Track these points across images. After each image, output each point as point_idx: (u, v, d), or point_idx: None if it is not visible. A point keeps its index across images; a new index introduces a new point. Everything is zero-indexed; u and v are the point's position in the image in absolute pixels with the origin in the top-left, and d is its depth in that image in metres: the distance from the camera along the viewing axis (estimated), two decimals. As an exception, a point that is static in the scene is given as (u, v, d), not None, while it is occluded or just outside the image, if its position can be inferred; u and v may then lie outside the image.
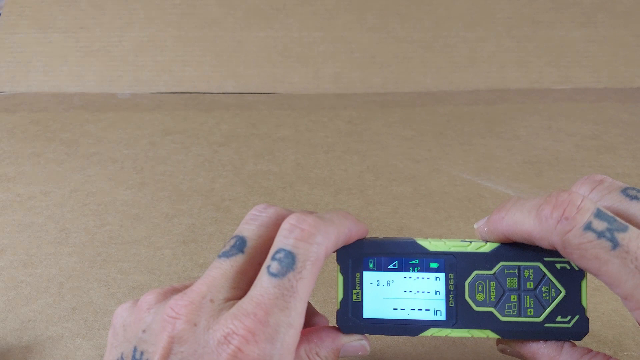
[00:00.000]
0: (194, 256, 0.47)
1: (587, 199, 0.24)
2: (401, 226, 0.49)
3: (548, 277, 0.28)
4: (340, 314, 0.29)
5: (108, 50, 0.75)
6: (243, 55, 0.74)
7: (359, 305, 0.29)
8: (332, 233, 0.27)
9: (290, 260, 0.25)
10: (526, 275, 0.28)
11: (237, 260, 0.27)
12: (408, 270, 0.29)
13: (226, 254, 0.27)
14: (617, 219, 0.24)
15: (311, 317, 0.32)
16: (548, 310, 0.28)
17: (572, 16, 0.76)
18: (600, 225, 0.24)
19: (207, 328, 0.25)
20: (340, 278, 0.29)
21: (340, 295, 0.29)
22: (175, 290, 0.28)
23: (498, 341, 0.30)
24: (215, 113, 0.68)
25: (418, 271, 0.29)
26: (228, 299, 0.26)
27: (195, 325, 0.25)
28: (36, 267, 0.46)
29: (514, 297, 0.28)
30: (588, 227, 0.24)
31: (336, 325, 0.30)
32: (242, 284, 0.27)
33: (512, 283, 0.28)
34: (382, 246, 0.29)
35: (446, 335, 0.29)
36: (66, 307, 0.42)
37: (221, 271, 0.27)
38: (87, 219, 0.52)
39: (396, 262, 0.29)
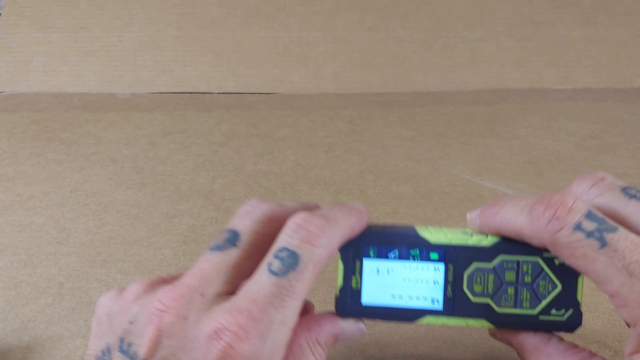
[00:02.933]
0: (194, 256, 0.47)
1: (579, 200, 0.25)
2: (401, 226, 0.49)
3: (545, 272, 0.28)
4: (339, 300, 0.30)
5: (108, 50, 0.75)
6: (243, 55, 0.74)
7: (357, 292, 0.29)
8: (337, 235, 0.26)
9: (293, 261, 0.25)
10: (525, 269, 0.28)
11: (230, 254, 0.26)
12: (408, 260, 0.29)
13: (218, 247, 0.27)
14: (607, 220, 0.25)
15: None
16: (543, 303, 0.28)
17: (572, 16, 0.76)
18: (589, 225, 0.24)
19: (197, 322, 0.24)
20: (341, 265, 0.29)
21: (340, 282, 0.29)
22: (163, 281, 0.27)
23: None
24: (216, 113, 0.68)
25: (418, 261, 0.29)
26: (219, 294, 0.25)
27: (184, 319, 0.24)
28: (36, 267, 0.46)
29: (511, 290, 0.28)
30: (578, 227, 0.24)
31: (334, 311, 0.30)
32: (234, 279, 0.26)
33: (510, 276, 0.28)
34: (383, 235, 0.29)
35: (442, 324, 0.29)
36: (66, 307, 0.42)
37: (213, 265, 0.26)
38: (87, 219, 0.51)
39: (396, 251, 0.29)
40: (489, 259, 0.29)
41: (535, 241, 0.26)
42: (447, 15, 0.77)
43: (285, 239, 0.26)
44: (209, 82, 0.72)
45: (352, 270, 0.29)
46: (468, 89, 0.71)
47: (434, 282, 0.29)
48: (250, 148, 0.61)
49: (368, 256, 0.29)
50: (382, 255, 0.29)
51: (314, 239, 0.25)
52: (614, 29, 0.75)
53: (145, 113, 0.68)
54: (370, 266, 0.29)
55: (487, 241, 0.29)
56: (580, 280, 0.28)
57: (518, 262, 0.28)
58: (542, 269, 0.28)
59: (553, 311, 0.28)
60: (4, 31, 0.76)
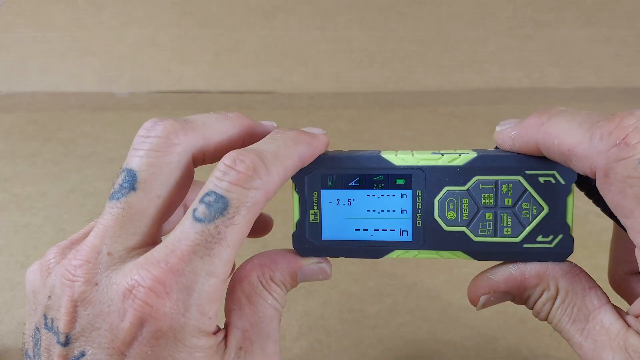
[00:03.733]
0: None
1: None
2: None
3: (529, 193, 0.25)
4: (296, 236, 0.26)
5: (106, 49, 0.74)
6: (242, 54, 0.74)
7: (317, 226, 0.26)
8: (276, 173, 0.23)
9: (221, 205, 0.22)
10: (504, 190, 0.25)
11: (130, 200, 0.23)
12: (371, 188, 0.26)
13: (115, 195, 0.23)
14: None
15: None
16: (528, 229, 0.25)
17: (574, 16, 0.76)
18: None
19: (110, 284, 0.22)
20: (296, 197, 0.26)
21: (296, 217, 0.26)
22: (74, 244, 0.25)
23: (478, 298, 0.26)
24: (214, 113, 0.68)
25: (382, 188, 0.26)
26: (130, 248, 0.23)
27: (96, 284, 0.22)
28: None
29: (489, 215, 0.25)
30: None
31: (292, 249, 0.27)
32: (142, 227, 0.23)
33: (487, 199, 0.25)
34: (343, 161, 0.26)
35: (413, 257, 0.26)
36: (63, 309, 0.42)
37: (113, 217, 0.23)
38: (84, 219, 0.51)
39: (358, 178, 0.26)
40: (463, 181, 0.25)
41: (583, 164, 0.21)
42: (448, 14, 0.76)
43: (212, 181, 0.22)
44: (208, 82, 0.72)
45: (310, 202, 0.26)
46: (469, 89, 0.71)
47: (402, 211, 0.26)
48: (249, 148, 0.61)
49: (326, 186, 0.26)
50: (341, 184, 0.26)
51: (246, 181, 0.22)
52: (616, 29, 0.75)
53: (143, 113, 0.68)
54: (329, 197, 0.26)
55: (460, 160, 0.25)
56: (569, 200, 0.25)
57: (496, 183, 0.25)
58: (525, 190, 0.25)
59: (539, 238, 0.25)
60: (1, 30, 0.76)
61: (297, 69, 0.73)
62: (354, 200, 0.26)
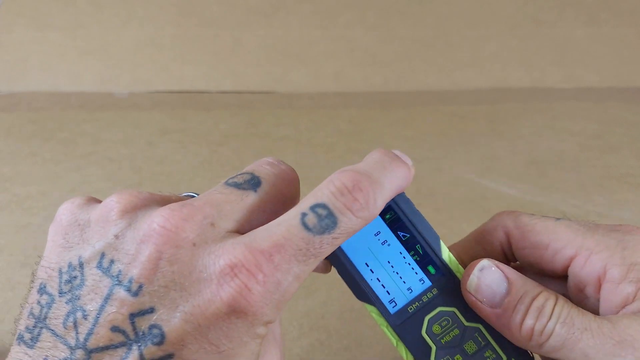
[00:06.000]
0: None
1: None
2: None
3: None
4: None
5: (106, 49, 0.74)
6: (242, 53, 0.74)
7: None
8: (380, 206, 0.23)
9: (330, 223, 0.22)
10: (487, 354, 0.26)
11: (248, 196, 0.23)
12: (408, 251, 0.26)
13: (237, 185, 0.24)
14: None
15: None
16: None
17: (575, 15, 0.76)
18: None
19: (208, 252, 0.21)
20: None
21: None
22: (157, 200, 0.24)
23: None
24: (214, 112, 0.67)
25: (414, 260, 0.26)
26: (230, 231, 0.23)
27: (194, 245, 0.21)
28: (33, 268, 0.46)
29: (458, 358, 0.26)
30: None
31: None
32: (245, 222, 0.23)
33: (471, 348, 0.26)
34: (412, 213, 0.26)
35: (379, 325, 0.27)
36: (63, 309, 0.42)
37: (227, 199, 0.23)
38: (84, 219, 0.51)
39: (409, 235, 0.26)
40: (470, 318, 0.26)
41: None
42: (449, 13, 0.76)
43: (327, 194, 0.23)
44: (208, 81, 0.72)
45: None
46: (470, 88, 0.71)
47: (408, 290, 0.26)
48: (249, 148, 0.61)
49: (383, 215, 0.26)
50: (394, 226, 0.27)
51: (358, 210, 0.22)
52: (618, 28, 0.75)
53: (143, 112, 0.67)
54: (377, 224, 0.27)
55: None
56: None
57: (488, 342, 0.26)
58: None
59: None
60: (1, 30, 0.76)
61: (298, 69, 0.73)
62: (389, 245, 0.27)
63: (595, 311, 0.25)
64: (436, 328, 0.26)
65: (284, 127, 0.64)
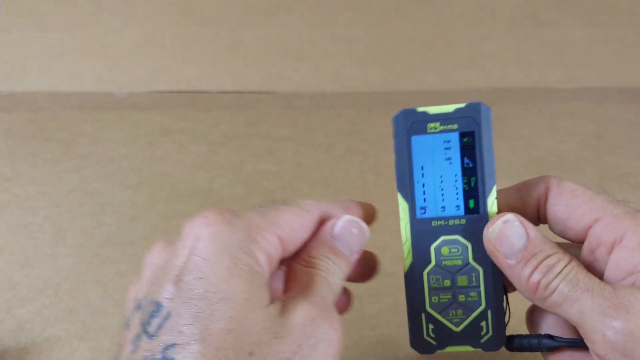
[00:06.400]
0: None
1: None
2: (403, 227, 0.48)
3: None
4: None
5: (105, 49, 0.74)
6: (242, 53, 0.74)
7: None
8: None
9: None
10: (471, 294, 0.29)
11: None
12: (463, 178, 0.29)
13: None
14: None
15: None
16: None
17: (575, 15, 0.76)
18: None
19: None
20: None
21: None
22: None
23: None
24: (214, 112, 0.67)
25: (463, 188, 0.29)
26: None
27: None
28: (33, 268, 0.46)
29: (447, 282, 0.29)
30: None
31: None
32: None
33: (462, 281, 0.29)
34: (487, 151, 0.29)
35: (399, 218, 0.30)
36: (63, 308, 0.42)
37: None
38: (84, 219, 0.51)
39: (472, 166, 0.29)
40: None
41: None
42: (448, 13, 0.76)
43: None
44: (208, 81, 0.72)
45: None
46: (470, 88, 0.71)
47: (442, 207, 0.29)
48: (249, 148, 0.61)
49: (461, 137, 0.29)
50: (464, 149, 0.29)
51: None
52: (618, 28, 0.75)
53: (143, 112, 0.67)
54: (451, 138, 0.29)
55: None
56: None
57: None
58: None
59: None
60: (1, 30, 0.76)
61: (297, 69, 0.73)
62: (450, 164, 0.29)
63: (599, 275, 0.27)
64: (445, 250, 0.28)
65: (284, 127, 0.64)
